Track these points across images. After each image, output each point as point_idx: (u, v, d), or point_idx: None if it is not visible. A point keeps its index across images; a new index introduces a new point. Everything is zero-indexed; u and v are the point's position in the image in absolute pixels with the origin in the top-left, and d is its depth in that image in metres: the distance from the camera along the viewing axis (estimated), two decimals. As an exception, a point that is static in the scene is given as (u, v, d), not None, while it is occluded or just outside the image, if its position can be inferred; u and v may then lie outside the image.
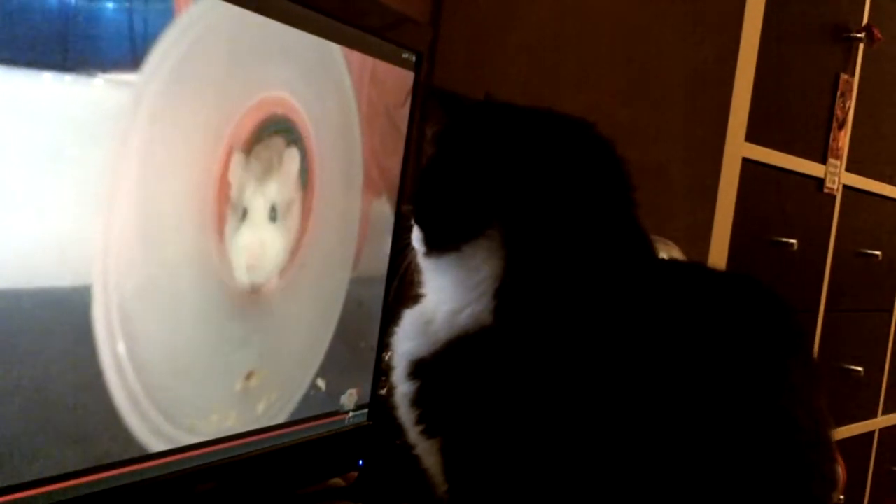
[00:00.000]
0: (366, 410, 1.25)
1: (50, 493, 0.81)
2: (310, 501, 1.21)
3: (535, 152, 0.87)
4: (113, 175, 0.82)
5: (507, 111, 0.91)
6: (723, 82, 1.62)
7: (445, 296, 0.88)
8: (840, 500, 2.03)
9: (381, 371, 1.24)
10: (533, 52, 1.78)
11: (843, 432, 2.21)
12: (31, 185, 0.75)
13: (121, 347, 0.85)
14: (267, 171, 1.01)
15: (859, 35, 2.02)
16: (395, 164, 1.24)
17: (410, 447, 0.89)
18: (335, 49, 1.08)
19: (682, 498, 0.76)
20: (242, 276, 1.00)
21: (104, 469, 0.86)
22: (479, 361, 0.83)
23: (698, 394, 0.77)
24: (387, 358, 1.10)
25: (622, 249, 0.86)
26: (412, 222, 0.93)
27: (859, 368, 2.25)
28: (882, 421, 2.48)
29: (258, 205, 1.00)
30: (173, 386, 0.93)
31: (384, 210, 1.23)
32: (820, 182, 2.00)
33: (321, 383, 1.15)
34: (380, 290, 1.24)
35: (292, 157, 1.04)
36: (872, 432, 2.44)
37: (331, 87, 1.09)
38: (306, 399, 1.13)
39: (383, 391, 1.23)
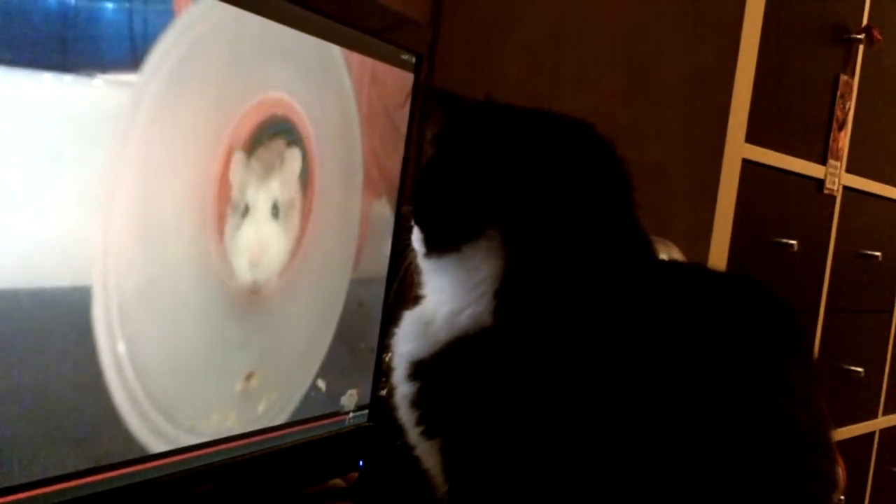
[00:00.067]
0: (366, 411, 1.25)
1: (50, 494, 0.81)
2: (310, 502, 1.21)
3: (535, 153, 0.87)
4: (113, 175, 0.82)
5: (506, 112, 0.91)
6: (723, 83, 1.62)
7: (445, 297, 0.88)
8: (840, 500, 2.03)
9: (382, 372, 1.24)
10: (532, 52, 1.78)
11: (844, 433, 2.21)
12: (31, 186, 0.75)
13: (121, 348, 0.85)
14: (268, 171, 1.01)
15: (859, 36, 2.02)
16: (394, 165, 1.24)
17: (411, 448, 0.89)
18: (335, 50, 1.09)
19: (681, 499, 0.75)
20: (244, 274, 1.00)
21: (104, 470, 0.86)
22: (478, 362, 0.83)
23: (698, 395, 0.77)
24: (387, 359, 1.10)
25: (622, 250, 0.86)
26: (412, 223, 0.93)
27: (859, 369, 2.25)
28: (882, 422, 2.48)
29: (260, 201, 1.00)
30: (173, 386, 0.93)
31: (384, 211, 1.23)
32: (820, 183, 2.00)
33: (321, 384, 1.15)
34: (380, 291, 1.24)
35: (294, 157, 1.04)
36: (873, 433, 2.44)
37: (331, 89, 1.09)
38: (306, 400, 1.13)
39: (383, 392, 1.23)
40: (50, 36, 0.75)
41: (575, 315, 0.81)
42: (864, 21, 2.06)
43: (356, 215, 1.17)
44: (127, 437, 0.88)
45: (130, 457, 0.89)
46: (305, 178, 1.07)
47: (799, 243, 1.88)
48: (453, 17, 1.84)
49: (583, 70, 1.73)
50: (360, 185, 1.17)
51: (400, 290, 1.09)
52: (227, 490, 1.02)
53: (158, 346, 0.90)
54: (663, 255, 1.37)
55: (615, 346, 0.79)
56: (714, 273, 0.97)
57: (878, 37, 2.04)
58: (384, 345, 1.22)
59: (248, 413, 1.04)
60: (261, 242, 1.02)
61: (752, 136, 1.69)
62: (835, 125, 2.00)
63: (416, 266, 0.94)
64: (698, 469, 0.76)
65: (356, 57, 1.12)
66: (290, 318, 1.09)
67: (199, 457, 0.98)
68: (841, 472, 1.03)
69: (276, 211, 1.03)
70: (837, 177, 2.04)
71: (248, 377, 1.03)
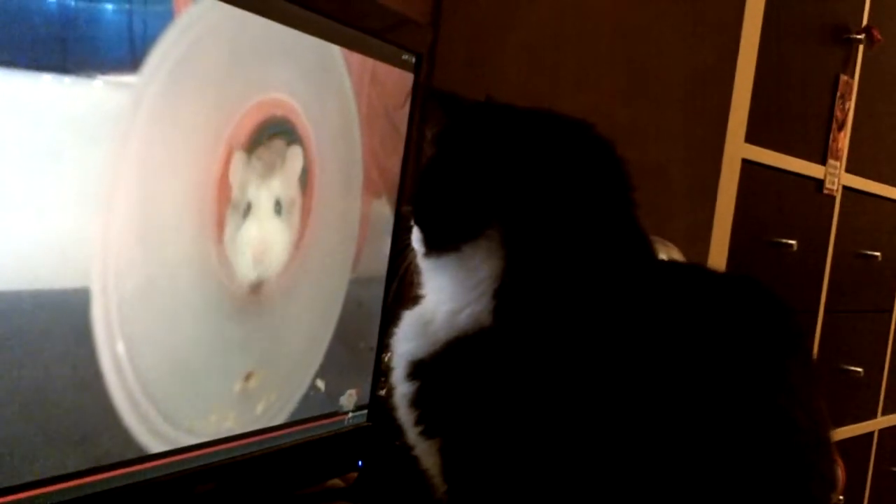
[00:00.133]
0: (365, 411, 1.25)
1: (49, 494, 0.81)
2: (309, 502, 1.21)
3: (535, 153, 0.87)
4: (112, 176, 0.82)
5: (506, 112, 0.91)
6: (722, 83, 1.62)
7: (445, 296, 0.88)
8: (840, 500, 2.03)
9: (381, 372, 1.24)
10: (533, 52, 1.78)
11: (843, 433, 2.21)
12: (31, 187, 0.75)
13: (120, 348, 0.85)
14: (270, 169, 1.01)
15: (859, 36, 2.02)
16: (394, 166, 1.24)
17: (410, 448, 0.89)
18: (335, 50, 1.09)
19: (681, 499, 0.76)
20: (246, 273, 1.00)
21: (103, 470, 0.86)
22: (478, 362, 0.83)
23: (697, 394, 0.77)
24: (386, 359, 1.10)
25: (621, 250, 0.86)
26: (412, 223, 0.93)
27: (859, 369, 2.25)
28: (882, 421, 2.48)
29: (263, 199, 1.00)
30: (172, 386, 0.93)
31: (384, 211, 1.23)
32: (819, 183, 2.00)
33: (320, 384, 1.15)
34: (379, 291, 1.24)
35: (296, 155, 1.04)
36: (872, 433, 2.44)
37: (330, 89, 1.09)
38: (306, 400, 1.13)
39: (383, 392, 1.23)
40: (50, 37, 0.75)
41: (574, 315, 0.81)
42: (864, 21, 2.05)
43: (356, 215, 1.17)
44: (126, 438, 0.88)
45: (130, 457, 0.89)
46: (305, 178, 1.07)
47: (798, 243, 1.88)
48: (453, 17, 1.84)
49: (583, 70, 1.73)
50: (359, 185, 1.17)
51: (399, 289, 1.09)
52: (227, 490, 1.02)
53: (158, 346, 0.90)
54: (663, 256, 1.37)
55: (614, 346, 0.79)
56: (714, 273, 0.97)
57: (878, 37, 2.04)
58: (383, 344, 1.22)
59: (247, 413, 1.04)
60: (264, 239, 1.02)
61: (752, 136, 1.69)
62: (834, 125, 2.00)
63: (416, 266, 0.94)
64: (698, 469, 0.76)
65: (356, 57, 1.12)
66: (290, 318, 1.09)
67: (199, 457, 0.98)
68: (840, 471, 1.03)
69: (278, 208, 1.03)
70: (837, 177, 2.04)
71: (248, 377, 1.03)
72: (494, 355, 0.82)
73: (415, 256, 0.93)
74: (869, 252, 2.26)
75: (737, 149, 1.66)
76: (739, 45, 1.61)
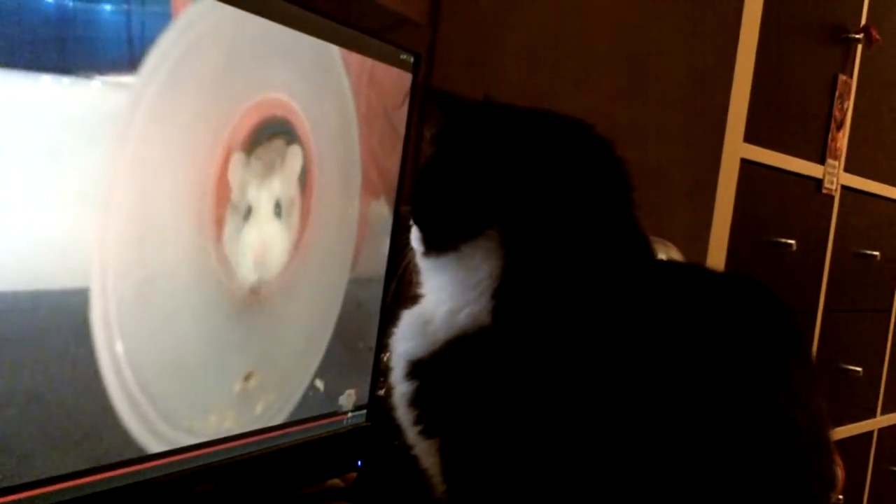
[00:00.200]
0: (364, 411, 1.25)
1: (48, 494, 0.81)
2: (308, 502, 1.21)
3: (534, 153, 0.87)
4: (111, 177, 0.82)
5: (506, 112, 0.91)
6: (721, 83, 1.62)
7: (444, 296, 0.88)
8: (839, 500, 2.03)
9: (380, 372, 1.24)
10: (531, 52, 1.78)
11: (843, 432, 2.21)
12: (30, 187, 0.75)
13: (119, 348, 0.85)
14: (269, 170, 1.01)
15: (858, 36, 2.02)
16: (393, 166, 1.24)
17: (409, 448, 0.89)
18: (333, 50, 1.09)
19: (680, 499, 0.76)
20: (246, 274, 1.00)
21: (103, 470, 0.86)
22: (477, 361, 0.83)
23: (696, 394, 0.77)
24: (385, 359, 1.10)
25: (621, 250, 0.86)
26: (411, 222, 0.93)
27: (858, 368, 2.26)
28: (881, 421, 2.48)
29: (262, 201, 1.00)
30: (172, 387, 0.93)
31: (383, 211, 1.23)
32: (818, 183, 2.00)
33: (319, 384, 1.15)
34: (378, 291, 1.24)
35: (295, 155, 1.05)
36: (871, 432, 2.44)
37: (329, 89, 1.09)
38: (305, 400, 1.13)
39: (382, 392, 1.23)
40: (48, 37, 0.75)
41: (573, 315, 0.81)
42: (863, 21, 2.06)
43: (354, 215, 1.17)
44: (125, 438, 0.88)
45: (129, 457, 0.89)
46: (304, 178, 1.07)
47: (797, 243, 1.89)
48: (452, 17, 1.84)
49: (582, 70, 1.73)
50: (358, 185, 1.17)
51: (398, 289, 1.09)
52: (226, 490, 1.02)
53: (157, 346, 0.90)
54: (662, 255, 1.37)
55: (614, 346, 0.79)
56: (713, 273, 0.97)
57: (877, 36, 2.04)
58: (382, 344, 1.22)
59: (246, 413, 1.04)
60: (264, 242, 1.02)
61: (751, 136, 1.69)
62: (833, 125, 2.00)
63: (415, 265, 0.94)
64: (697, 469, 0.76)
65: (355, 57, 1.12)
66: (289, 318, 1.09)
67: (198, 457, 0.98)
68: (840, 471, 1.03)
69: (278, 210, 1.03)
70: (836, 176, 2.04)
71: (247, 377, 1.03)
72: (493, 355, 0.82)
73: (414, 256, 0.93)
74: (868, 251, 2.26)
75: (735, 148, 1.66)
76: (738, 45, 1.61)
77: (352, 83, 1.12)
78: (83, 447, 0.84)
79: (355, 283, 1.19)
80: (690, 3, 1.65)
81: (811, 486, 0.79)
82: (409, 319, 0.91)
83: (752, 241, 1.78)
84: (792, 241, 1.88)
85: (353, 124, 1.14)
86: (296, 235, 1.07)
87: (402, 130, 1.24)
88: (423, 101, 1.23)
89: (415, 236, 0.92)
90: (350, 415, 1.23)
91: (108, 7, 0.79)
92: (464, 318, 0.85)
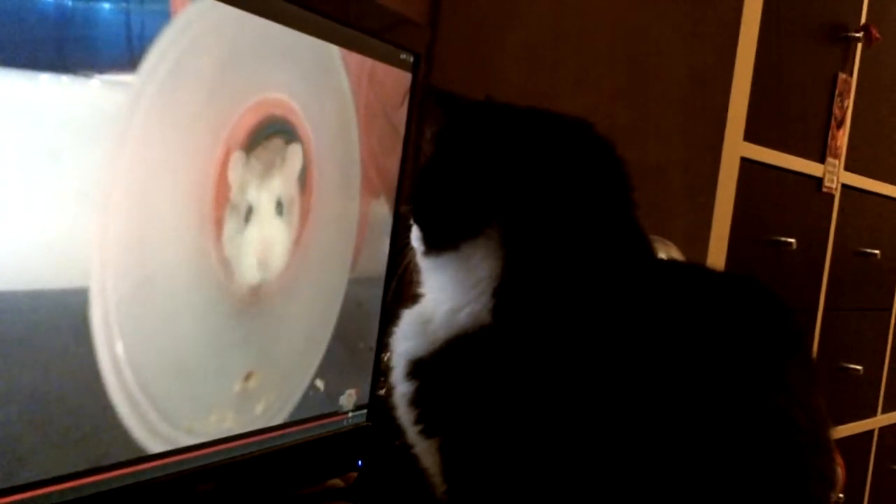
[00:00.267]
0: (365, 411, 1.25)
1: (48, 495, 0.80)
2: (309, 502, 1.21)
3: (535, 152, 0.87)
4: (110, 176, 0.82)
5: (506, 111, 0.91)
6: (721, 82, 1.62)
7: (444, 295, 0.88)
8: (840, 498, 2.03)
9: (380, 371, 1.24)
10: (532, 52, 1.78)
11: (843, 431, 2.21)
12: (29, 186, 0.75)
13: (119, 348, 0.85)
14: (269, 169, 1.01)
15: (857, 35, 2.02)
16: (393, 165, 1.24)
17: (409, 447, 0.89)
18: (333, 50, 1.08)
19: (679, 498, 0.76)
20: (248, 274, 1.00)
21: (103, 471, 0.86)
22: (477, 361, 0.83)
23: (696, 394, 0.77)
24: (386, 358, 1.10)
25: (621, 249, 0.86)
26: (411, 222, 0.93)
27: (859, 367, 2.25)
28: (882, 419, 2.48)
29: (263, 200, 1.00)
30: (172, 387, 0.93)
31: (382, 211, 1.23)
32: (818, 181, 2.00)
33: (320, 384, 1.15)
34: (378, 291, 1.24)
35: (295, 154, 1.04)
36: (872, 431, 2.44)
37: (329, 89, 1.09)
38: (305, 400, 1.13)
39: (382, 392, 1.23)
40: (46, 36, 0.74)
41: (573, 314, 0.81)
42: (863, 19, 2.06)
43: (354, 215, 1.17)
44: (125, 438, 0.88)
45: (129, 457, 0.89)
46: (304, 177, 1.07)
47: (798, 242, 1.89)
48: (452, 17, 1.84)
49: (582, 70, 1.73)
50: (358, 185, 1.17)
51: (399, 289, 1.09)
52: (226, 490, 1.02)
53: (157, 346, 0.90)
54: (662, 255, 1.37)
55: (613, 345, 0.79)
56: (713, 273, 0.97)
57: (877, 35, 2.04)
58: (383, 344, 1.22)
59: (246, 413, 1.04)
60: (266, 241, 1.02)
61: (751, 135, 1.69)
62: (833, 123, 2.00)
63: (416, 265, 0.94)
64: (697, 469, 0.76)
65: (354, 57, 1.12)
66: (289, 317, 1.09)
67: (198, 457, 0.98)
68: (840, 470, 1.03)
69: (280, 208, 1.03)
70: (836, 175, 2.04)
71: (247, 377, 1.03)
72: (494, 354, 0.82)
73: (414, 255, 0.93)
74: (868, 250, 2.26)
75: (736, 147, 1.66)
76: (738, 44, 1.61)
77: (351, 83, 1.12)
78: (83, 447, 0.84)
79: (355, 282, 1.19)
80: (690, 2, 1.65)
81: (811, 486, 0.79)
82: (409, 319, 0.91)
83: (752, 240, 1.78)
84: (792, 240, 1.88)
85: (352, 124, 1.14)
86: (295, 235, 1.07)
87: (401, 130, 1.24)
88: (423, 100, 1.23)
89: (415, 235, 0.92)
90: (350, 415, 1.23)
91: (106, 6, 0.79)
92: (464, 318, 0.85)
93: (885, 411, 2.49)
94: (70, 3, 0.76)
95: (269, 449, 1.08)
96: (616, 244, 0.86)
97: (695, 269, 0.99)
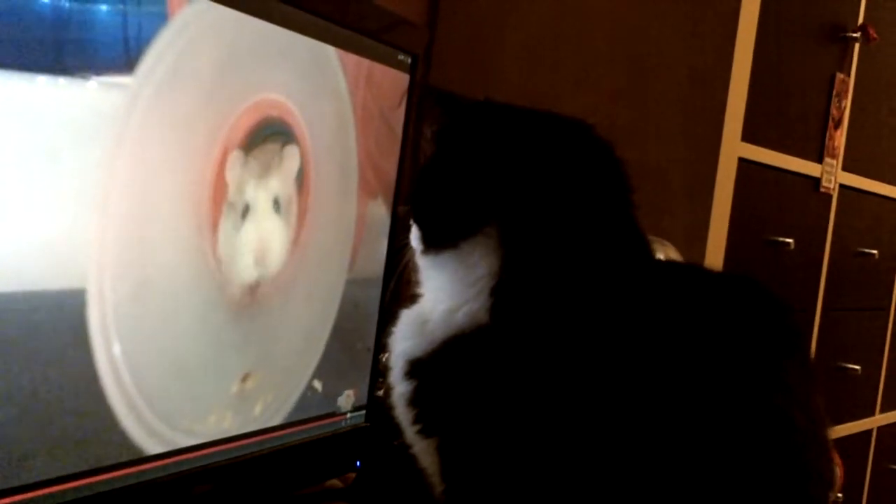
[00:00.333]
0: (363, 412, 1.25)
1: (46, 496, 0.80)
2: (307, 503, 1.21)
3: (535, 152, 0.87)
4: (108, 177, 0.82)
5: (507, 111, 0.91)
6: (719, 82, 1.62)
7: (442, 294, 0.88)
8: (838, 498, 2.03)
9: (379, 372, 1.24)
10: (531, 53, 1.78)
11: (842, 430, 2.21)
12: (26, 188, 0.75)
13: (116, 349, 0.85)
14: (267, 169, 1.01)
15: (855, 35, 2.02)
16: (390, 166, 1.24)
17: (408, 447, 0.89)
18: (330, 51, 1.08)
19: (678, 498, 0.76)
20: (246, 273, 1.00)
21: (100, 472, 0.86)
22: (474, 360, 0.83)
23: (694, 394, 0.77)
24: (384, 359, 1.10)
25: (619, 250, 0.86)
26: (410, 221, 0.93)
27: (857, 367, 2.26)
28: (880, 419, 2.48)
29: (261, 199, 1.00)
30: (169, 388, 0.93)
31: (380, 211, 1.23)
32: (816, 181, 2.00)
33: (318, 385, 1.15)
34: (376, 292, 1.24)
35: (292, 155, 1.04)
36: (870, 430, 2.45)
37: (326, 90, 1.09)
38: (303, 400, 1.13)
39: (381, 392, 1.23)
40: (44, 38, 0.74)
41: (571, 314, 0.81)
42: (861, 19, 2.06)
43: (352, 216, 1.17)
44: (123, 439, 0.88)
45: (127, 458, 0.89)
46: (301, 178, 1.07)
47: (796, 242, 1.89)
48: (450, 18, 1.84)
49: (581, 70, 1.73)
50: (355, 186, 1.17)
51: (397, 289, 1.09)
52: (225, 491, 1.02)
53: (154, 347, 0.90)
54: (660, 255, 1.37)
55: (611, 345, 0.79)
56: (711, 273, 0.97)
57: (874, 35, 2.04)
58: (381, 345, 1.22)
59: (244, 414, 1.04)
60: (263, 239, 1.02)
61: (749, 135, 1.69)
62: (831, 123, 2.00)
63: (414, 265, 0.94)
64: (695, 468, 0.76)
65: (351, 58, 1.12)
66: (287, 318, 1.09)
67: (196, 458, 0.98)
68: (839, 470, 1.03)
69: (277, 206, 1.03)
70: (834, 175, 2.05)
71: (245, 378, 1.03)
72: (491, 353, 0.82)
73: (413, 255, 0.93)
74: (866, 250, 2.26)
75: (733, 148, 1.66)
76: (735, 44, 1.61)
77: (349, 84, 1.12)
78: (81, 449, 0.84)
79: (353, 283, 1.19)
80: (690, 3, 1.65)
81: (809, 486, 0.79)
82: (407, 319, 0.91)
83: (750, 240, 1.78)
84: (790, 240, 1.88)
85: (350, 125, 1.14)
86: (293, 235, 1.07)
87: (399, 131, 1.24)
88: (423, 100, 1.23)
89: (414, 235, 0.92)
90: (349, 415, 1.22)
91: (103, 7, 0.79)
92: (461, 317, 0.85)
93: (883, 411, 2.49)
94: (67, 5, 0.76)
95: (268, 450, 1.08)
96: (614, 245, 0.86)
97: (693, 269, 0.99)
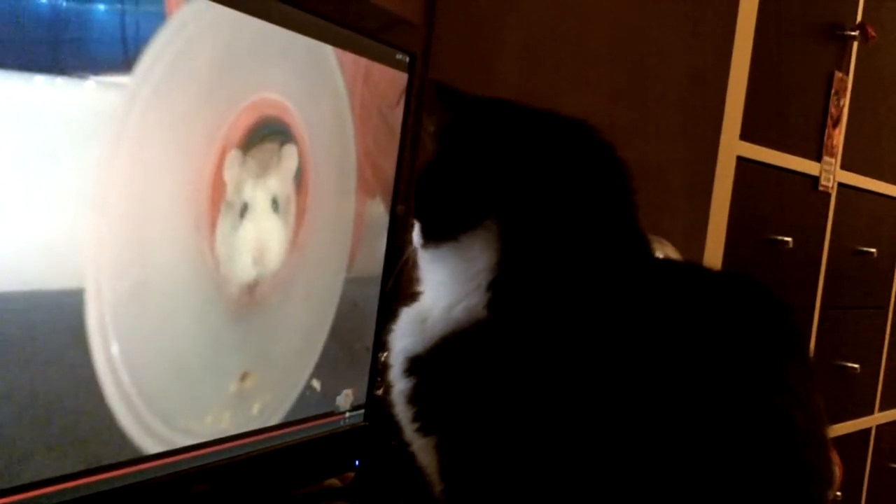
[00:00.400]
0: (362, 411, 1.25)
1: (44, 496, 0.80)
2: (306, 502, 1.21)
3: (539, 148, 0.87)
4: (105, 177, 0.82)
5: (513, 108, 0.91)
6: (717, 80, 1.62)
7: (442, 290, 0.88)
8: (837, 497, 2.03)
9: (377, 371, 1.24)
10: (530, 52, 1.78)
11: (840, 429, 2.21)
12: (24, 187, 0.75)
13: (114, 349, 0.85)
14: (265, 169, 1.01)
15: (853, 33, 2.02)
16: (389, 165, 1.24)
17: (407, 446, 0.89)
18: (328, 50, 1.08)
19: (677, 497, 0.75)
20: (244, 273, 1.00)
21: (99, 471, 0.86)
22: (472, 357, 0.83)
23: (694, 393, 0.77)
24: (383, 358, 1.10)
25: (619, 248, 0.86)
26: (412, 220, 0.93)
27: (856, 365, 2.26)
28: (879, 418, 2.48)
29: (259, 198, 1.00)
30: (168, 387, 0.93)
31: (378, 210, 1.23)
32: (815, 180, 2.00)
33: (316, 384, 1.15)
34: (375, 291, 1.24)
35: (290, 154, 1.04)
36: (869, 429, 2.45)
37: (324, 89, 1.09)
38: (301, 400, 1.13)
39: (380, 391, 1.23)
40: (41, 38, 0.74)
41: (568, 311, 0.81)
42: (859, 18, 2.06)
43: (350, 215, 1.17)
44: (122, 439, 0.88)
45: (125, 458, 0.89)
46: (299, 177, 1.07)
47: (794, 240, 1.89)
48: (449, 17, 1.84)
49: (579, 69, 1.73)
50: (353, 185, 1.17)
51: (397, 287, 1.09)
52: (223, 491, 1.02)
53: (153, 347, 0.90)
54: (659, 254, 1.37)
55: (609, 344, 0.79)
56: (711, 272, 0.97)
57: (873, 33, 2.04)
58: (380, 343, 1.22)
59: (242, 414, 1.04)
60: (262, 239, 1.02)
61: (747, 134, 1.69)
62: (829, 122, 2.00)
63: (415, 263, 0.93)
64: (695, 467, 0.76)
65: (349, 57, 1.12)
66: (285, 317, 1.09)
67: (195, 458, 0.97)
68: (837, 469, 1.03)
69: (275, 205, 1.03)
70: (832, 173, 2.05)
71: (243, 377, 1.03)
72: (488, 350, 0.82)
73: (414, 253, 0.93)
74: (865, 248, 2.26)
75: (732, 146, 1.66)
76: (734, 43, 1.61)
77: (347, 83, 1.12)
78: (79, 448, 0.84)
79: (352, 282, 1.19)
80: (689, 2, 1.65)
81: (810, 486, 0.79)
82: (407, 316, 0.91)
83: (749, 238, 1.78)
84: (789, 239, 1.88)
85: (348, 124, 1.14)
86: (291, 234, 1.07)
87: (397, 130, 1.24)
88: (426, 94, 1.22)
89: (416, 230, 0.92)
90: (348, 415, 1.22)
91: (101, 7, 0.79)
92: (459, 313, 0.85)
93: (882, 409, 2.49)
94: (65, 4, 0.76)
95: (266, 449, 1.08)
96: (614, 243, 0.86)
97: (692, 268, 0.99)
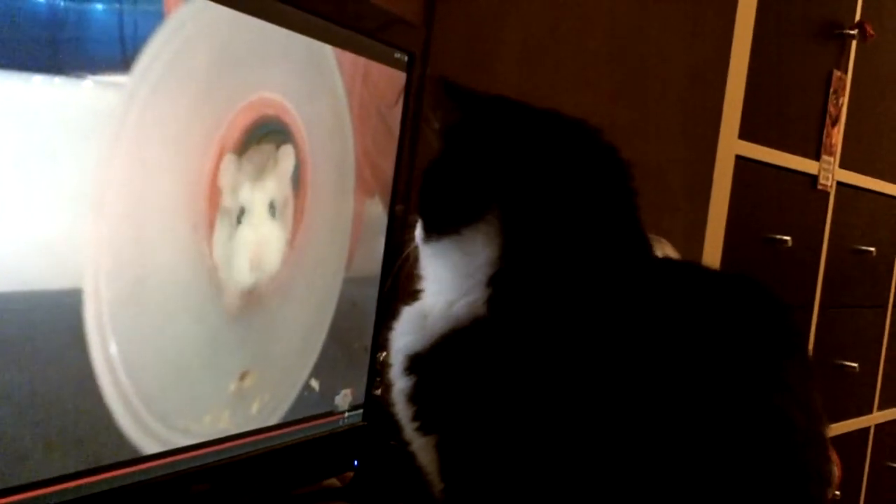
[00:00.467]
0: (361, 411, 1.25)
1: (42, 497, 0.80)
2: (305, 502, 1.21)
3: (543, 146, 0.87)
4: (104, 177, 0.82)
5: (520, 106, 0.91)
6: (716, 80, 1.62)
7: (443, 286, 0.88)
8: (836, 496, 2.03)
9: (376, 371, 1.24)
10: (529, 52, 1.78)
11: (839, 428, 2.21)
12: (22, 188, 0.75)
13: (113, 349, 0.85)
14: (262, 171, 1.01)
15: (852, 31, 2.02)
16: (387, 164, 1.24)
17: (406, 445, 0.89)
18: (327, 50, 1.08)
19: (677, 497, 0.75)
20: (243, 275, 1.00)
21: (97, 472, 0.86)
22: (471, 354, 0.83)
23: (693, 392, 0.77)
24: (384, 356, 1.09)
25: (620, 247, 0.86)
26: (414, 217, 0.93)
27: (854, 364, 2.26)
28: (878, 417, 2.48)
29: (256, 202, 1.00)
30: (166, 387, 0.93)
31: (377, 210, 1.23)
32: (814, 179, 2.00)
33: (315, 384, 1.15)
34: (373, 291, 1.24)
35: (287, 154, 1.04)
36: (868, 428, 2.45)
37: (322, 88, 1.09)
38: (300, 400, 1.13)
39: (379, 391, 1.23)
40: (39, 37, 0.74)
41: (567, 309, 0.81)
42: (858, 16, 2.06)
43: (349, 214, 1.17)
44: (120, 439, 0.88)
45: (123, 458, 0.88)
46: (297, 177, 1.06)
47: (793, 239, 1.89)
48: (448, 16, 1.84)
49: (579, 69, 1.73)
50: (352, 185, 1.17)
51: (396, 286, 1.09)
52: (222, 491, 1.02)
53: (151, 347, 0.90)
54: (658, 253, 1.36)
55: (610, 342, 0.79)
56: (710, 271, 0.97)
57: (871, 32, 2.04)
58: (378, 343, 1.22)
59: (241, 413, 1.04)
60: (259, 243, 1.02)
61: (746, 133, 1.69)
62: (828, 121, 2.00)
63: (415, 262, 0.93)
64: (694, 466, 0.76)
65: (348, 56, 1.12)
66: (284, 317, 1.09)
67: (194, 458, 0.97)
68: (836, 468, 1.03)
69: (273, 210, 1.03)
70: (831, 172, 2.05)
71: (242, 377, 1.03)
72: (487, 347, 0.82)
73: (415, 251, 0.93)
74: (864, 247, 2.26)
75: (731, 145, 1.66)
76: (732, 42, 1.61)
77: (345, 82, 1.12)
78: (78, 448, 0.83)
79: (350, 282, 1.19)
80: (688, 2, 1.65)
81: (810, 486, 0.79)
82: (408, 315, 0.91)
83: (747, 237, 1.78)
84: (788, 238, 1.88)
85: (346, 124, 1.14)
86: (290, 235, 1.07)
87: (396, 130, 1.24)
88: (429, 89, 1.22)
89: (418, 227, 0.92)
90: (346, 414, 1.22)
91: (99, 6, 0.79)
92: (460, 310, 0.85)
93: (881, 408, 2.49)
94: (62, 4, 0.75)
95: (265, 449, 1.08)
96: (615, 242, 0.86)
97: (692, 267, 0.99)
